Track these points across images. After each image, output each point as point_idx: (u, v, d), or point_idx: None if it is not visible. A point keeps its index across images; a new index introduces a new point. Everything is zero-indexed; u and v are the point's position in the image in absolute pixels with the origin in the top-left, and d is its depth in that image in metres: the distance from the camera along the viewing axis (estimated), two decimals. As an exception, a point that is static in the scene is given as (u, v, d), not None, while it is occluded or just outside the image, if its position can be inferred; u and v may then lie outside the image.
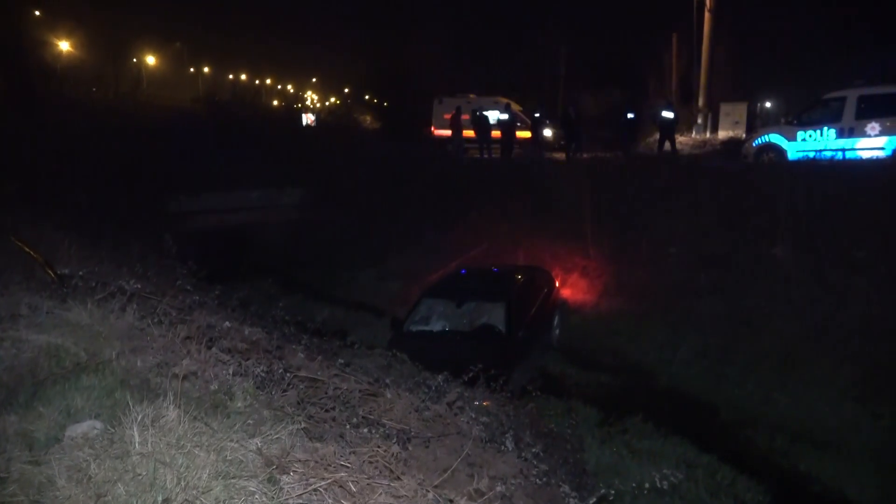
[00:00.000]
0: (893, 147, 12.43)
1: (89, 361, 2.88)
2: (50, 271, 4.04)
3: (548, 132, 21.34)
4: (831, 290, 9.52)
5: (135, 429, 2.23)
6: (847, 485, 6.34)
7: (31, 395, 2.62)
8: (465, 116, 20.37)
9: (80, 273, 4.09)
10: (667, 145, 17.32)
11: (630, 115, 18.48)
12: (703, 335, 9.61)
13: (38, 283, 3.93)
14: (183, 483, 2.07)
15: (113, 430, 2.30)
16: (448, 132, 20.50)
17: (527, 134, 20.66)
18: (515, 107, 21.29)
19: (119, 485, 2.03)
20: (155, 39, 49.75)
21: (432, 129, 21.90)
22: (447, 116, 20.75)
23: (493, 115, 20.48)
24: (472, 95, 23.25)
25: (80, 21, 35.51)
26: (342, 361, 4.01)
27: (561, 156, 19.50)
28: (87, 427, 2.35)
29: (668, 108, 17.44)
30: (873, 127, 12.72)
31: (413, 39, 30.97)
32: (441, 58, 29.43)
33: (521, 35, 32.60)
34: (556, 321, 10.08)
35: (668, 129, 17.34)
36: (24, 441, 2.31)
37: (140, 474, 2.07)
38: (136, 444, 2.17)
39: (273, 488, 2.20)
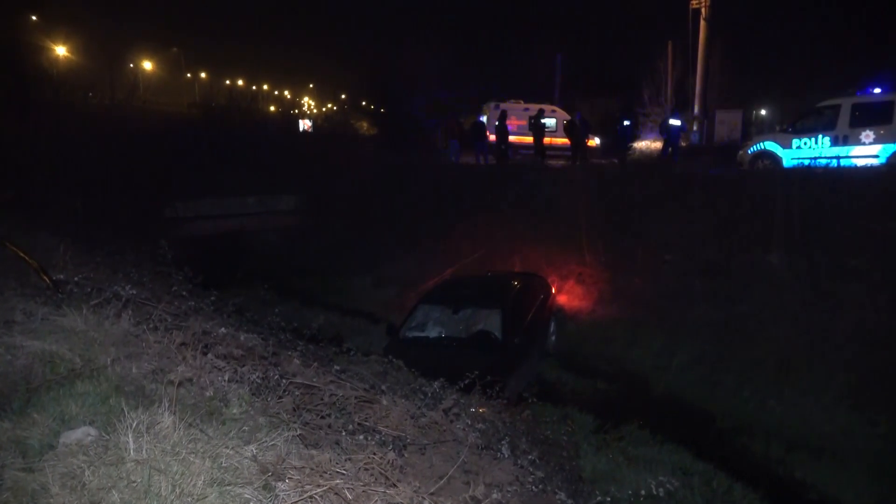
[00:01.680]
0: (888, 155, 12.49)
1: (84, 368, 2.86)
2: (45, 277, 4.03)
3: (596, 140, 22.04)
4: (826, 298, 9.54)
5: (129, 435, 2.22)
6: (843, 492, 6.35)
7: (25, 401, 2.61)
8: (515, 121, 21.03)
9: (76, 279, 4.07)
10: (669, 152, 17.54)
11: (626, 122, 18.59)
12: (698, 342, 9.63)
13: (32, 289, 3.91)
14: (178, 490, 2.06)
15: (107, 437, 2.29)
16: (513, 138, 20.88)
17: (593, 143, 21.28)
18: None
19: (113, 492, 2.02)
20: (152, 45, 49.89)
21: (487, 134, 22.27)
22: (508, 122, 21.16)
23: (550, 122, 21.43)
24: (521, 101, 23.49)
25: (76, 26, 35.57)
26: (338, 368, 4.00)
27: (557, 162, 19.57)
28: (82, 434, 2.34)
29: (676, 116, 17.74)
30: (867, 135, 12.79)
31: (409, 45, 31.06)
32: (437, 64, 29.47)
33: (517, 42, 32.74)
34: (552, 328, 10.09)
35: (675, 136, 17.56)
36: (18, 448, 2.30)
37: (135, 481, 2.06)
38: (131, 451, 2.16)
39: (268, 496, 2.19)
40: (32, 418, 2.46)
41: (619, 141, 19.01)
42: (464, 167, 19.84)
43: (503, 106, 22.17)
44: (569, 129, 19.58)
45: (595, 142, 21.98)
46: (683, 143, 20.24)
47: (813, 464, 6.83)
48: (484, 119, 21.43)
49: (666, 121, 17.85)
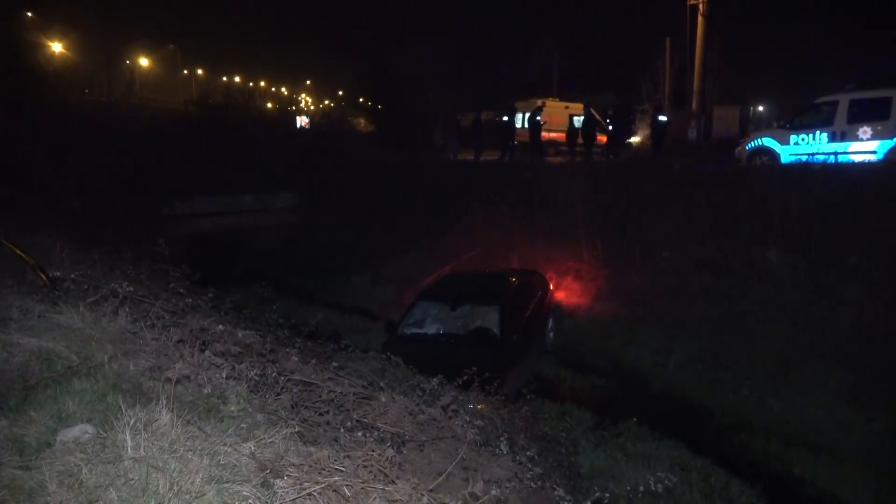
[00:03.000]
0: (885, 151, 12.49)
1: (81, 365, 2.85)
2: (41, 274, 4.01)
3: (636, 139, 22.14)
4: (824, 295, 9.54)
5: (127, 433, 2.21)
6: (841, 489, 6.35)
7: (22, 399, 2.60)
8: (556, 120, 21.26)
9: (73, 276, 4.05)
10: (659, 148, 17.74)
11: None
12: (696, 339, 9.63)
13: (29, 287, 3.90)
14: (176, 488, 2.06)
15: (105, 435, 2.28)
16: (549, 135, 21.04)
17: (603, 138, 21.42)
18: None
19: (111, 490, 2.01)
20: (148, 41, 49.76)
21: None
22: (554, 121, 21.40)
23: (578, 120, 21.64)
24: (550, 100, 23.58)
25: (73, 23, 35.41)
26: (336, 365, 4.00)
27: (556, 160, 19.59)
28: (79, 431, 2.33)
29: (662, 113, 17.98)
30: (865, 131, 12.78)
31: (407, 43, 31.05)
32: (435, 61, 29.46)
33: (515, 40, 32.73)
34: (550, 325, 10.09)
35: (662, 132, 17.70)
36: (15, 446, 2.29)
37: (132, 479, 2.05)
38: (129, 449, 2.15)
39: (267, 493, 2.18)
40: (29, 416, 2.45)
41: (615, 137, 19.11)
42: (462, 164, 19.82)
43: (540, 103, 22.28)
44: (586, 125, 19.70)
45: None
46: (694, 137, 20.36)
47: (811, 460, 6.83)
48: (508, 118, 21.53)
49: (655, 117, 18.11)
